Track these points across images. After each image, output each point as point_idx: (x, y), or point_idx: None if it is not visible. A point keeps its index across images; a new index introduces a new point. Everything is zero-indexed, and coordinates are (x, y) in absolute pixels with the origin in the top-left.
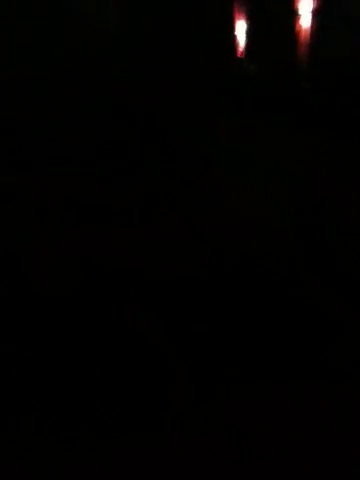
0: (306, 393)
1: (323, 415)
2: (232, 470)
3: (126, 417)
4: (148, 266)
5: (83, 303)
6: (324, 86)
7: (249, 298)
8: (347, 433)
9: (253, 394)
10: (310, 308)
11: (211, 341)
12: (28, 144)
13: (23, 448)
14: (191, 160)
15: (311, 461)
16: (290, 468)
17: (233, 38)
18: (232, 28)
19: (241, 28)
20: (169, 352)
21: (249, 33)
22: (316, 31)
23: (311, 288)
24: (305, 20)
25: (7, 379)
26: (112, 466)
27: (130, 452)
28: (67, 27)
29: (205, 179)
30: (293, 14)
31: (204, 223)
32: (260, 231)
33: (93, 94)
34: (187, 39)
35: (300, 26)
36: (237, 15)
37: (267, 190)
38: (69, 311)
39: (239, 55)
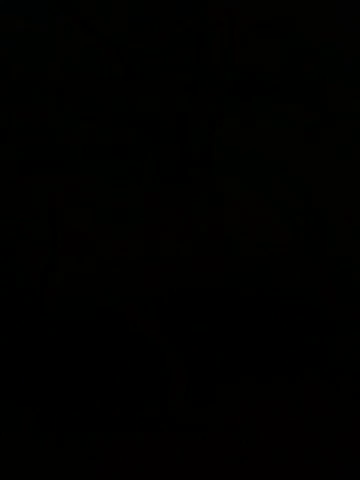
0: (306, 393)
1: (322, 415)
2: (231, 469)
3: (126, 417)
4: (148, 267)
5: (83, 304)
6: None
7: (248, 300)
8: (346, 433)
9: (252, 394)
10: (307, 309)
11: (211, 342)
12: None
13: (24, 447)
14: None
15: (311, 460)
16: (290, 467)
17: None
18: None
19: None
20: (169, 353)
21: None
22: None
23: (309, 286)
24: None
25: (9, 379)
26: (112, 465)
27: (130, 451)
28: None
29: None
30: None
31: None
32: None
33: None
34: None
35: None
36: None
37: None
38: (70, 311)
39: None
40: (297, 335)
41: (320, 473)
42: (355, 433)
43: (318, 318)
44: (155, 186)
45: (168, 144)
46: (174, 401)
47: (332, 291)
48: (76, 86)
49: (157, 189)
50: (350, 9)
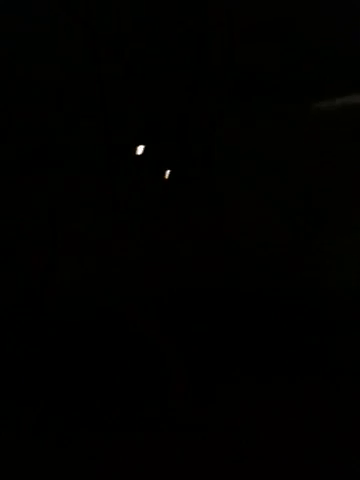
0: (306, 393)
1: (322, 415)
2: (231, 469)
3: (126, 417)
4: (148, 267)
5: (83, 304)
6: None
7: (248, 300)
8: (346, 433)
9: (252, 394)
10: (307, 309)
11: (211, 342)
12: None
13: (24, 447)
14: None
15: (311, 460)
16: (290, 467)
17: None
18: None
19: None
20: (169, 353)
21: None
22: None
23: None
24: None
25: (9, 379)
26: (112, 465)
27: (130, 451)
28: None
29: None
30: None
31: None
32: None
33: None
34: None
35: None
36: None
37: None
38: (70, 311)
39: None
40: (297, 335)
41: (320, 473)
42: (355, 433)
43: (318, 318)
44: (154, 187)
45: (168, 144)
46: (174, 401)
47: (332, 291)
48: (76, 86)
49: (157, 189)
50: (350, 9)
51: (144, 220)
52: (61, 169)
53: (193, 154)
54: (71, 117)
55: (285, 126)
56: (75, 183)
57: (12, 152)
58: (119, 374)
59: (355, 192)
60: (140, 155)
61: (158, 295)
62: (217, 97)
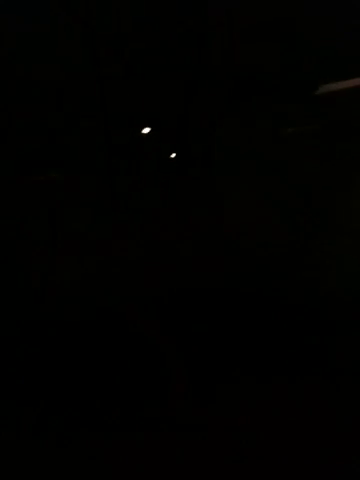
0: (306, 393)
1: (322, 415)
2: (231, 469)
3: (126, 417)
4: (148, 267)
5: (84, 303)
6: None
7: (248, 300)
8: (346, 433)
9: (252, 394)
10: (307, 309)
11: (211, 342)
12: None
13: (24, 447)
14: None
15: (311, 460)
16: (290, 467)
17: None
18: None
19: None
20: (169, 353)
21: None
22: None
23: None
24: None
25: (9, 379)
26: (112, 465)
27: (130, 451)
28: None
29: None
30: None
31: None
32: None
33: None
34: None
35: None
36: None
37: None
38: (70, 311)
39: None
40: (297, 335)
41: (320, 473)
42: (355, 433)
43: (318, 318)
44: (155, 186)
45: (168, 144)
46: (174, 401)
47: (332, 291)
48: (76, 86)
49: (157, 189)
50: (350, 9)
51: (144, 220)
52: (61, 169)
53: (193, 154)
54: (71, 117)
55: (285, 126)
56: (75, 183)
57: (12, 152)
58: (119, 374)
59: (355, 192)
60: (140, 155)
61: (158, 295)
62: (217, 97)
